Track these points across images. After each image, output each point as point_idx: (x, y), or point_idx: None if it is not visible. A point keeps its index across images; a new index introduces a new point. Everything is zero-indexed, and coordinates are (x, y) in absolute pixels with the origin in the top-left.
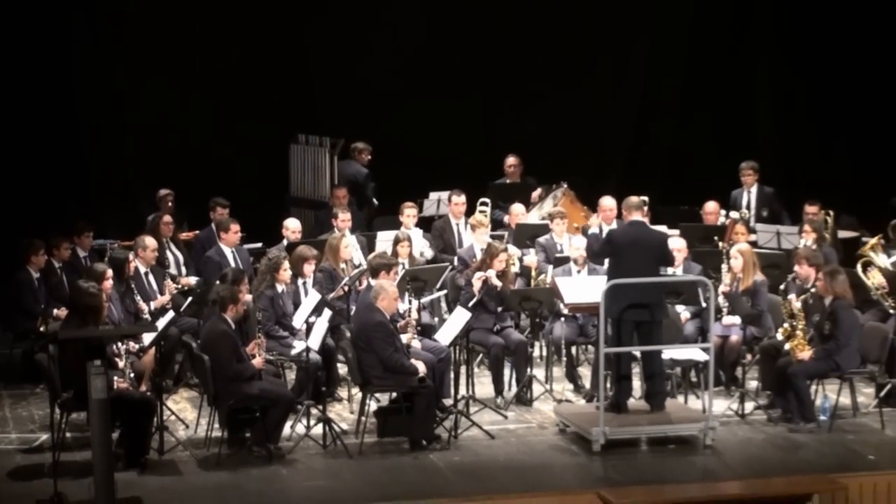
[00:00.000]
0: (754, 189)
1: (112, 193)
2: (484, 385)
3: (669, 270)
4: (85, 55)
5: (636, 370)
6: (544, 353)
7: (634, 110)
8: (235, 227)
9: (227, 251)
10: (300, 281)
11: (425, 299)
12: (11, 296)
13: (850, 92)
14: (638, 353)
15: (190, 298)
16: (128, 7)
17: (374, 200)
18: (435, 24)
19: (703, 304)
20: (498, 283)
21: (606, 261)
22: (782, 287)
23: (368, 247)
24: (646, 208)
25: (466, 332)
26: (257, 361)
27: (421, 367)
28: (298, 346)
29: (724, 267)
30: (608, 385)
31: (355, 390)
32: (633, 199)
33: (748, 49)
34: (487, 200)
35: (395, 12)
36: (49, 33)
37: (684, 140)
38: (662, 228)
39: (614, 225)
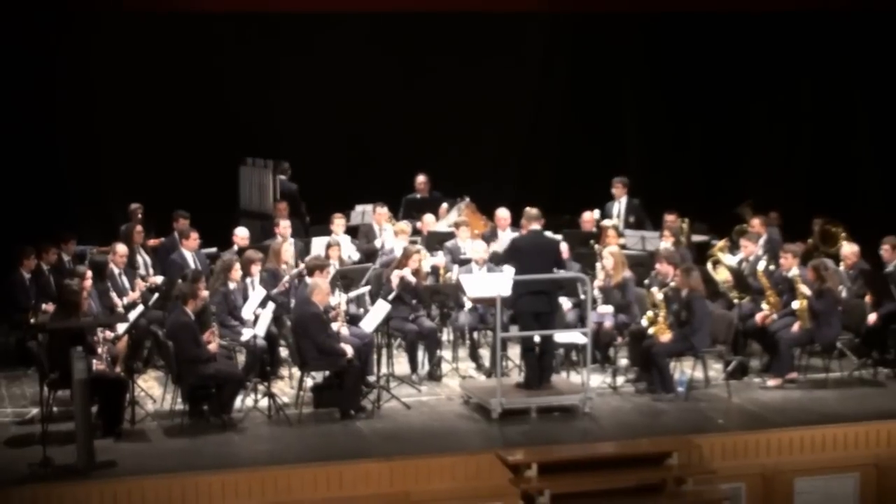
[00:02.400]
0: (623, 200)
1: (91, 207)
2: (401, 364)
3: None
4: (64, 94)
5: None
6: (451, 338)
7: (525, 137)
8: (195, 234)
9: (188, 255)
10: (248, 279)
11: (352, 294)
12: (6, 293)
13: (701, 120)
14: (537, 338)
15: (156, 295)
16: (95, 58)
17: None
18: (358, 68)
19: (582, 297)
20: (413, 280)
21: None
22: (646, 282)
23: (305, 250)
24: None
25: (387, 320)
26: (212, 347)
27: (349, 350)
28: (247, 333)
29: (598, 265)
30: (504, 364)
31: (295, 370)
32: (533, 211)
33: (619, 89)
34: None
35: (322, 58)
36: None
37: (565, 162)
38: (547, 234)
39: (509, 231)
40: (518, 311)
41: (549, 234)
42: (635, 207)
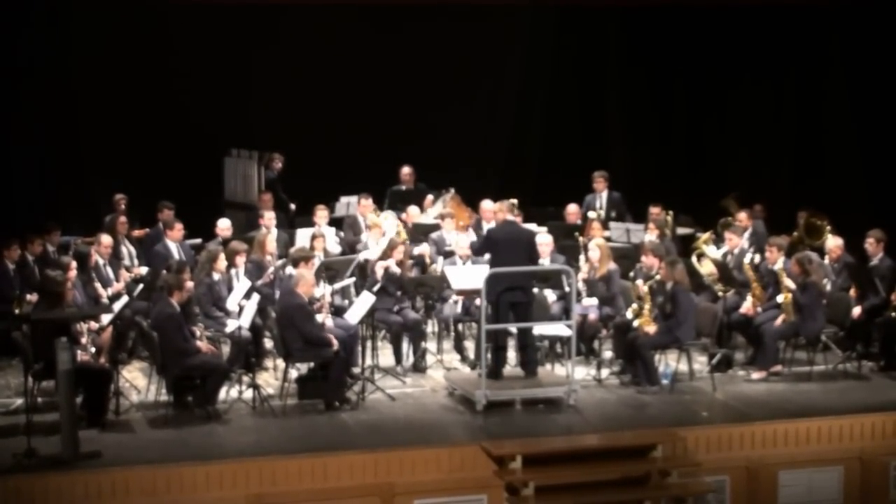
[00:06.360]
0: (604, 194)
1: (76, 198)
2: (386, 356)
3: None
4: (46, 84)
5: (511, 343)
6: (436, 330)
7: (509, 130)
8: (179, 225)
9: (173, 246)
10: (233, 270)
11: (337, 285)
12: None
13: (686, 113)
14: (513, 329)
15: (141, 285)
16: (78, 42)
17: (292, 206)
18: (343, 59)
19: (567, 289)
20: (397, 271)
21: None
22: (631, 274)
23: (289, 242)
24: (516, 210)
25: (371, 312)
26: (203, 346)
27: (334, 342)
28: (232, 324)
29: (582, 257)
30: (488, 356)
31: (279, 361)
32: (508, 202)
33: (603, 81)
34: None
35: (307, 48)
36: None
37: (550, 154)
38: (532, 226)
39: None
40: (494, 302)
41: (532, 225)
42: (616, 201)
